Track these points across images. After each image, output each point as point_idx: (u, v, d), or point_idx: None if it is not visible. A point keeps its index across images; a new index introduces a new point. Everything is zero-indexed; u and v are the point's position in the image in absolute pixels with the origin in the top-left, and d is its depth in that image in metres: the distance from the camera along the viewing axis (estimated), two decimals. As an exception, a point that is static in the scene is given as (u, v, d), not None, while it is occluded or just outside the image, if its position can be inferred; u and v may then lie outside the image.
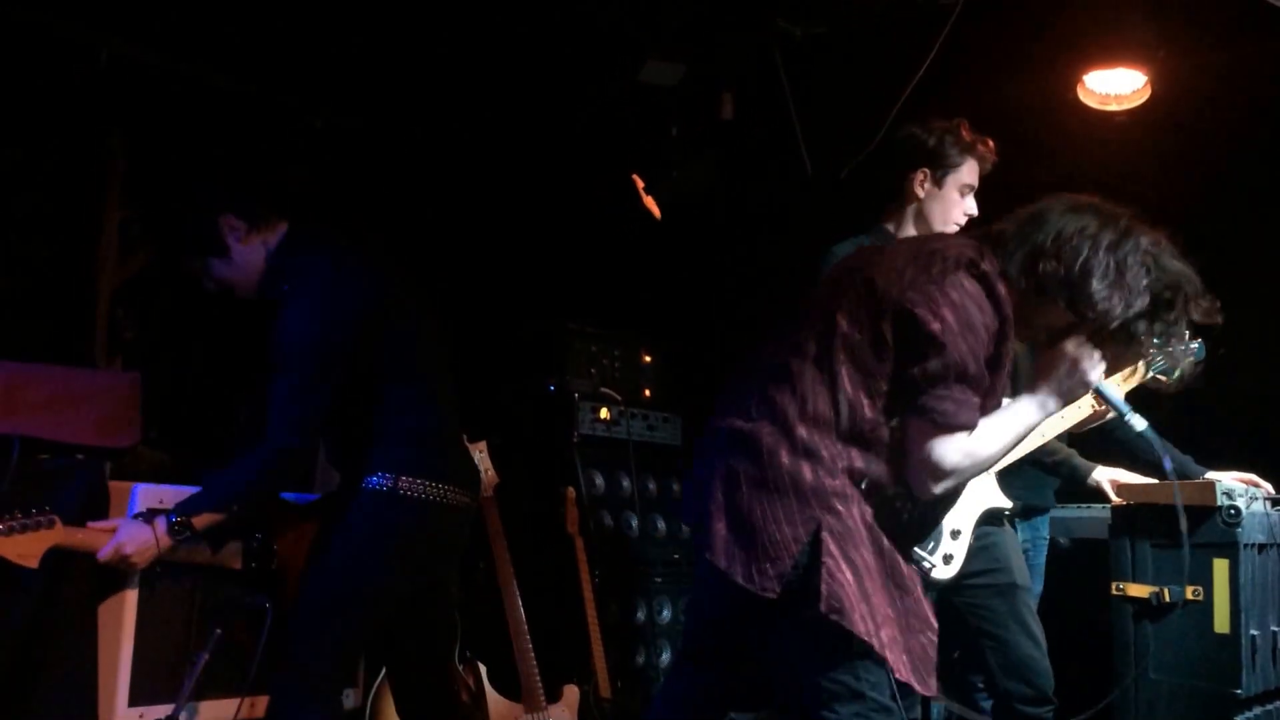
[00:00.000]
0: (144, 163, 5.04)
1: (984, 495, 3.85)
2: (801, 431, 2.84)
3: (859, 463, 2.84)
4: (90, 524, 3.50)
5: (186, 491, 3.57)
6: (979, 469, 2.95)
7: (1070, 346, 2.96)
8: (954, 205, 4.03)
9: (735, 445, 2.90)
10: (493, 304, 6.16)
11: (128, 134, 5.01)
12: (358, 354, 3.58)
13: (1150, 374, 4.27)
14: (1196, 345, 4.33)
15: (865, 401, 2.84)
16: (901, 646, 2.79)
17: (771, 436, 2.85)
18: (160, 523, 3.45)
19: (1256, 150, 5.15)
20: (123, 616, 3.76)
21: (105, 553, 3.43)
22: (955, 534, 3.75)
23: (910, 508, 2.97)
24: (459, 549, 3.86)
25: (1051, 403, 2.99)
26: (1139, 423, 3.16)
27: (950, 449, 2.83)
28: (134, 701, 3.77)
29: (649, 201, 5.82)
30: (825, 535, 2.75)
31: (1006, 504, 3.91)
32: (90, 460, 3.78)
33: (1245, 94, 5.08)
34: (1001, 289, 2.85)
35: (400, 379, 3.66)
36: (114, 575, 3.63)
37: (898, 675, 2.76)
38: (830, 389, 2.85)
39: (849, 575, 2.73)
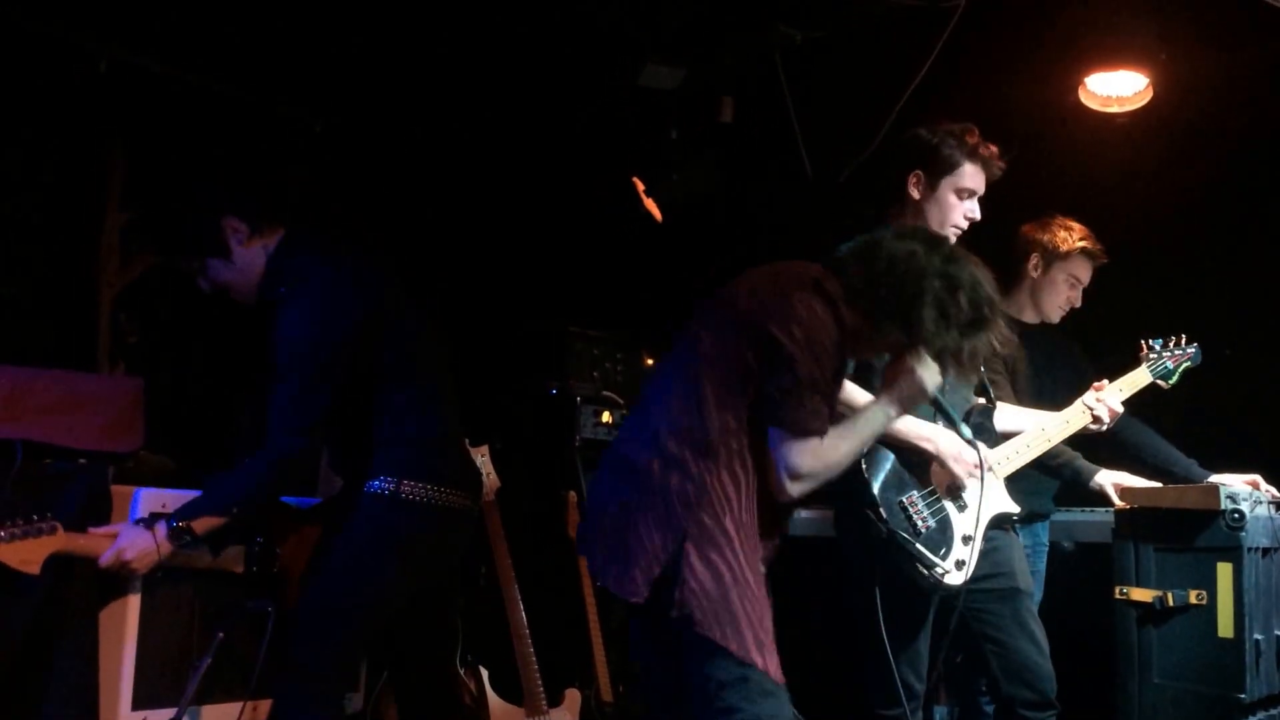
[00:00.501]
0: (144, 168, 5.04)
1: (994, 500, 3.84)
2: (671, 445, 3.06)
3: (724, 473, 3.05)
4: (91, 529, 3.50)
5: (189, 495, 3.57)
6: (832, 471, 3.16)
7: (909, 359, 3.19)
8: (950, 208, 3.99)
9: (616, 469, 3.17)
10: (494, 306, 6.16)
11: (128, 140, 5.01)
12: (357, 357, 3.58)
13: (1151, 380, 4.29)
14: (1194, 350, 4.34)
15: (728, 414, 3.07)
16: (767, 648, 3.00)
17: (646, 452, 3.08)
18: (161, 528, 3.44)
19: (1258, 152, 5.14)
20: (125, 620, 3.77)
21: (106, 558, 3.43)
22: (966, 539, 3.73)
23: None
24: (460, 552, 3.85)
25: (894, 410, 3.24)
26: (966, 432, 3.47)
27: (805, 454, 3.07)
28: (137, 705, 3.78)
29: (650, 204, 5.81)
30: (688, 542, 2.98)
31: (1015, 509, 3.89)
32: (93, 465, 3.79)
33: (1247, 96, 5.07)
34: (843, 308, 3.08)
35: (401, 382, 3.65)
36: (116, 580, 3.62)
37: (770, 675, 2.98)
38: (696, 403, 3.07)
39: (707, 580, 2.96)
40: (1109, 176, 5.33)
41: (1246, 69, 5.04)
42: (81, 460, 3.77)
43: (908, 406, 3.29)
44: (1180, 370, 4.37)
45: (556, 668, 5.01)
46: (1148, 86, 5.11)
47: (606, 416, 5.97)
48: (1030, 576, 4.05)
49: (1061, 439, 4.10)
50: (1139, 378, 4.31)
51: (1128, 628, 3.93)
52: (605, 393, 6.07)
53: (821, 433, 3.08)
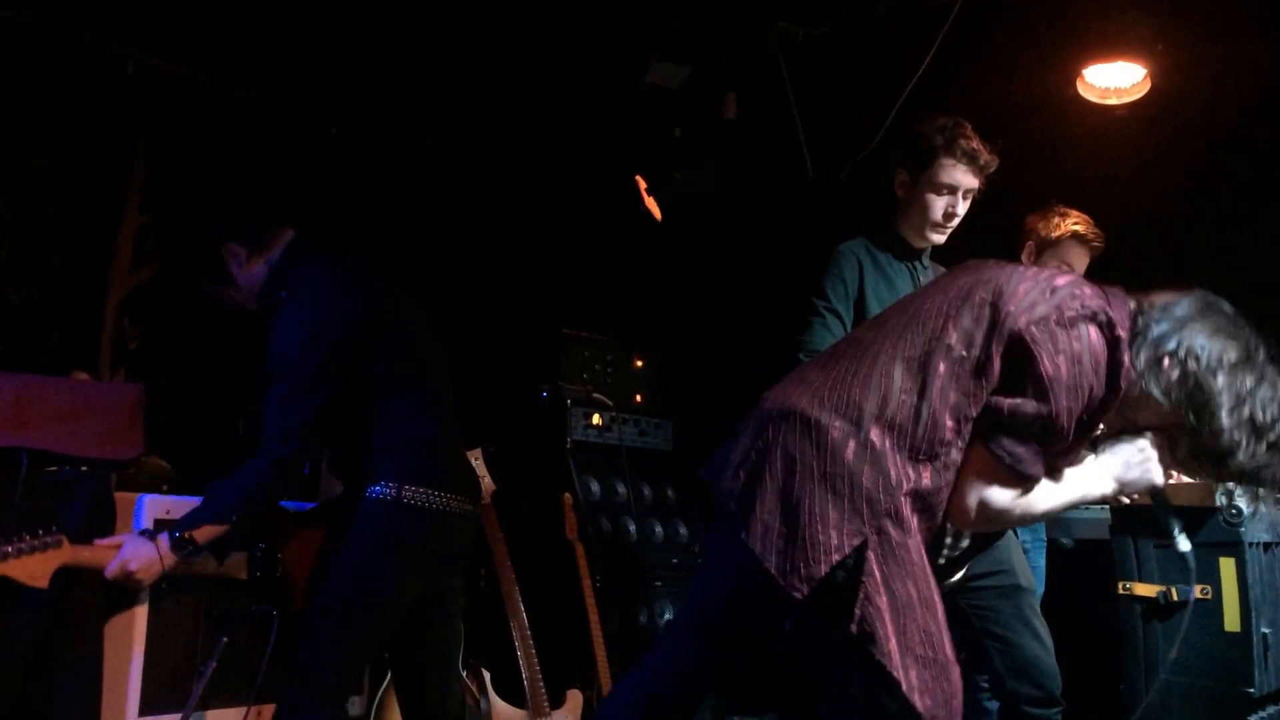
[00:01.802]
0: (163, 171, 5.06)
1: None
2: (874, 433, 2.69)
3: (925, 482, 2.71)
4: (97, 541, 3.50)
5: (191, 502, 3.57)
6: (1022, 522, 2.89)
7: (1153, 441, 2.87)
8: (928, 205, 3.96)
9: (799, 428, 2.73)
10: (486, 308, 6.16)
11: (149, 143, 5.03)
12: (355, 359, 3.58)
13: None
14: None
15: (949, 421, 2.71)
16: (930, 690, 2.62)
17: (840, 430, 2.70)
18: (164, 539, 3.44)
19: (1257, 142, 5.13)
20: (133, 627, 3.79)
21: (111, 570, 3.43)
22: (958, 534, 3.72)
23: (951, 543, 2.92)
24: (463, 556, 3.86)
25: (1111, 485, 2.90)
26: (1184, 544, 3.09)
27: (1007, 495, 2.75)
28: (144, 711, 3.80)
29: (650, 203, 5.81)
30: (870, 554, 2.62)
31: None
32: (95, 472, 3.80)
33: (1246, 86, 5.06)
34: (1125, 360, 2.73)
35: (401, 386, 3.66)
36: (123, 591, 3.63)
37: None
38: (917, 397, 2.72)
39: (885, 603, 2.61)
40: (1108, 168, 5.32)
41: (1245, 59, 5.03)
42: (84, 468, 3.78)
43: (1128, 489, 2.93)
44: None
45: (558, 669, 5.01)
46: (1146, 78, 5.09)
47: (596, 419, 5.97)
48: (1030, 572, 4.03)
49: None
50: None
51: (1133, 623, 3.89)
52: (595, 395, 6.07)
53: (1036, 479, 2.75)
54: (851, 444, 2.68)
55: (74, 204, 4.90)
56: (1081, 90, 5.19)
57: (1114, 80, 5.15)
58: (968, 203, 4.00)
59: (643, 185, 5.84)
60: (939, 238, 4.03)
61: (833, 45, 5.37)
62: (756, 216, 6.46)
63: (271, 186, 4.05)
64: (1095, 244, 4.67)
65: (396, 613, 3.66)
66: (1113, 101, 5.18)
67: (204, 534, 3.47)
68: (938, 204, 3.94)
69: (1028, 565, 4.02)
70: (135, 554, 3.44)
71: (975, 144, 3.92)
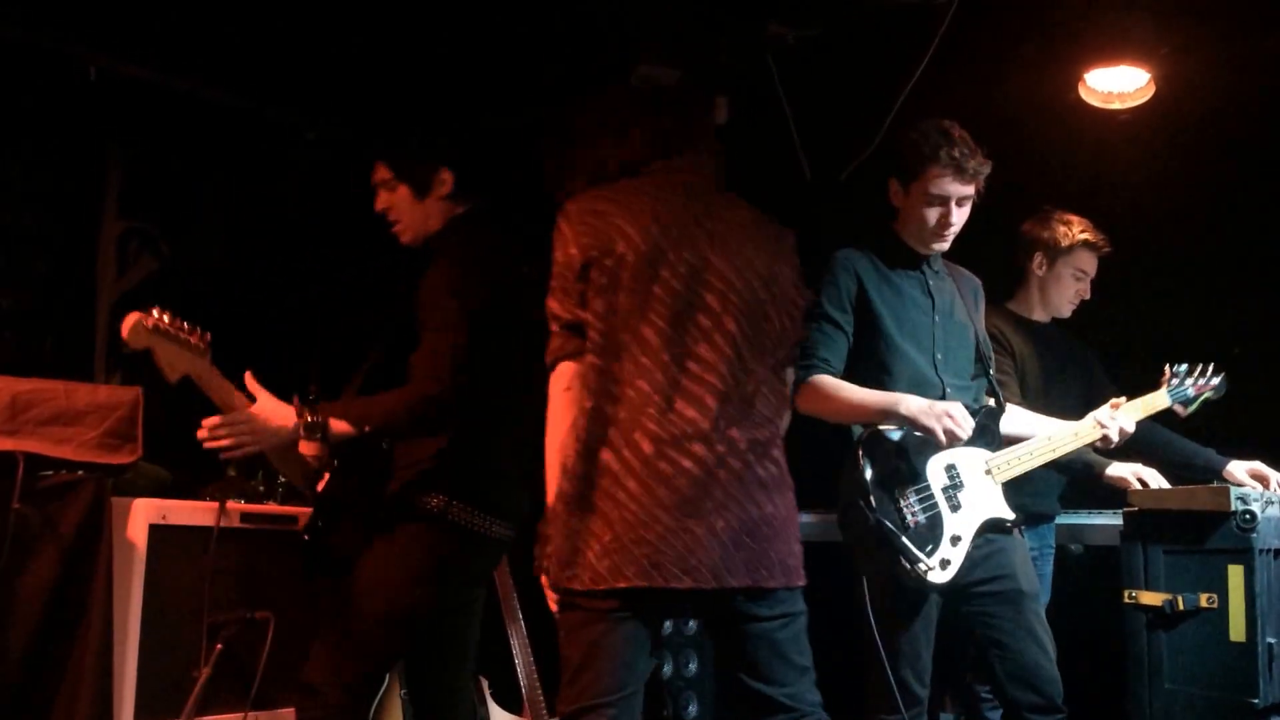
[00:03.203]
0: (141, 176, 5.03)
1: (989, 504, 3.80)
2: None
3: None
4: (252, 380, 3.52)
5: (190, 505, 3.55)
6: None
7: None
8: (923, 216, 3.86)
9: None
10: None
11: (124, 148, 5.00)
12: (479, 342, 3.56)
13: (1170, 404, 4.22)
14: (1219, 381, 4.28)
15: None
16: None
17: None
18: (305, 409, 3.45)
19: (1262, 147, 5.09)
20: (127, 633, 3.78)
21: (250, 411, 3.46)
22: (955, 540, 3.69)
23: None
24: (486, 576, 3.87)
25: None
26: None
27: None
28: (139, 716, 3.80)
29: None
30: None
31: (1009, 516, 3.83)
32: (92, 476, 3.78)
33: (1251, 90, 5.02)
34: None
35: (486, 393, 3.60)
36: (124, 590, 3.60)
37: None
38: None
39: None
40: (1111, 175, 5.29)
41: (1250, 63, 4.98)
42: (80, 472, 3.76)
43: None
44: (1201, 399, 4.31)
45: (557, 677, 4.96)
46: (1149, 82, 5.04)
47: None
48: (1035, 579, 4.00)
49: (1066, 452, 4.01)
50: (1157, 400, 4.23)
51: (1138, 632, 3.87)
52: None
53: None
54: None
55: (55, 211, 4.88)
56: (1084, 95, 5.14)
57: (1117, 85, 5.10)
58: (965, 209, 3.88)
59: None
60: (941, 245, 3.96)
61: (826, 47, 5.32)
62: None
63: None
64: (1103, 248, 4.67)
65: (418, 633, 3.63)
66: (1116, 106, 5.13)
67: (337, 427, 3.45)
68: (931, 215, 3.86)
69: (1033, 571, 3.99)
70: (276, 410, 3.46)
71: (961, 150, 3.79)
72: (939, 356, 3.88)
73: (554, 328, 3.01)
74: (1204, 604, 3.75)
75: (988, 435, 3.84)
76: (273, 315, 5.49)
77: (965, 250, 4.04)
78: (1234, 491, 3.75)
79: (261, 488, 4.40)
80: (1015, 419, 4.05)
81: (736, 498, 2.93)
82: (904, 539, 3.59)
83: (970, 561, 3.73)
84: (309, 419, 3.42)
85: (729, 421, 2.96)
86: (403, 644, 3.64)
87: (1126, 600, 3.89)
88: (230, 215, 5.56)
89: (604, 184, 3.14)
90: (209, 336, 3.43)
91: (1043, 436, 3.99)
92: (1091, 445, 4.06)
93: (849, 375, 3.81)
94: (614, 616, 2.86)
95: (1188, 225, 5.26)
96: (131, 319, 3.33)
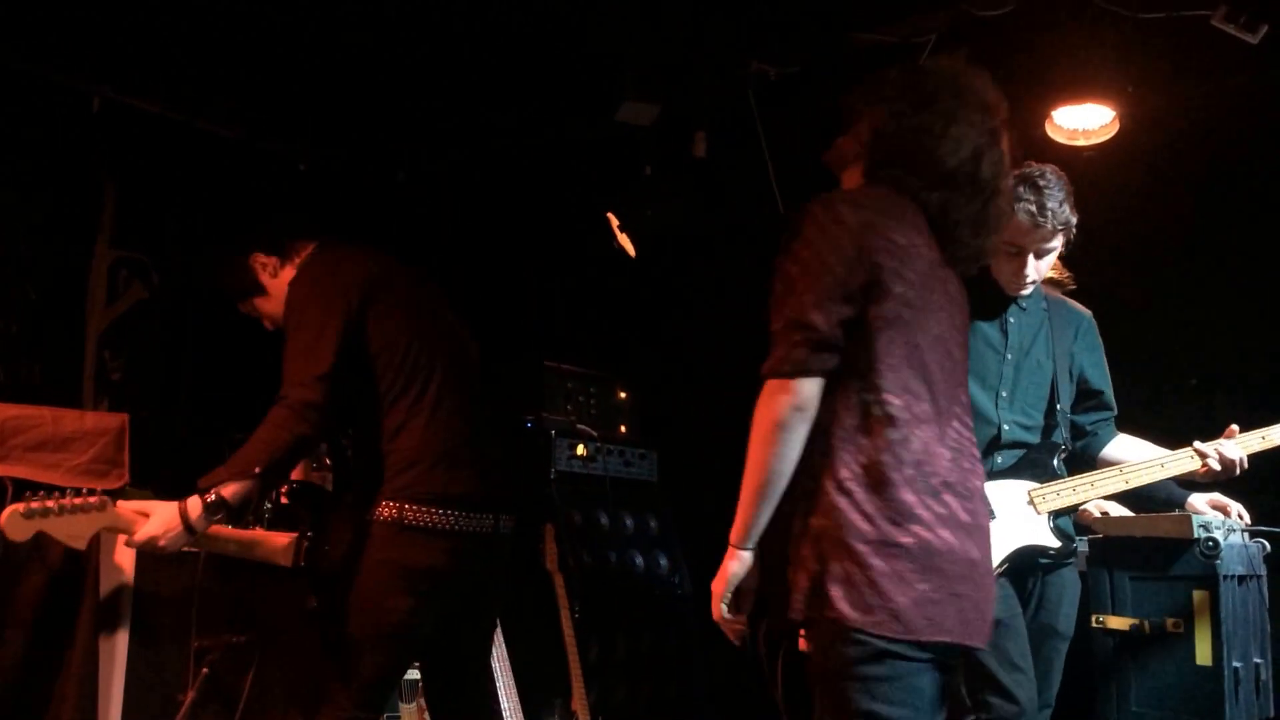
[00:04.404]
0: (134, 206, 5.06)
1: (1022, 533, 3.80)
2: None
3: None
4: (129, 505, 3.42)
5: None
6: None
7: None
8: (1000, 266, 3.92)
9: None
10: (484, 341, 6.17)
11: (119, 178, 5.03)
12: (358, 332, 3.52)
13: None
14: None
15: None
16: None
17: None
18: (192, 502, 3.34)
19: (1224, 184, 5.20)
20: (114, 656, 3.78)
21: (137, 539, 3.35)
22: None
23: None
24: (490, 575, 3.72)
25: None
26: None
27: None
28: (124, 739, 3.77)
29: (624, 239, 5.85)
30: None
31: (1052, 544, 3.82)
32: (78, 503, 3.77)
33: (1211, 128, 5.13)
34: None
35: (400, 388, 3.55)
36: (111, 615, 3.60)
37: None
38: None
39: None
40: (1077, 209, 5.37)
41: (1212, 101, 5.12)
42: (67, 498, 3.75)
43: None
44: None
45: (536, 699, 5.01)
46: (1114, 119, 5.14)
47: (581, 449, 6.00)
48: (1073, 620, 3.97)
49: (1145, 483, 3.93)
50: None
51: (1105, 656, 3.93)
52: (579, 426, 6.10)
53: None
54: None
55: (48, 239, 4.90)
56: (1050, 131, 5.22)
57: (1083, 122, 5.19)
58: (1047, 260, 3.93)
59: (614, 223, 5.87)
60: (1023, 292, 3.96)
61: (804, 84, 5.40)
62: (732, 252, 6.51)
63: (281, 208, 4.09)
64: (1067, 285, 4.72)
65: (416, 641, 3.58)
66: (1081, 143, 5.21)
67: (231, 491, 3.33)
68: (1008, 265, 3.90)
69: (1074, 613, 3.96)
70: (160, 520, 3.34)
71: (1041, 203, 3.84)
72: (1003, 394, 3.89)
73: (796, 337, 2.67)
74: (1170, 628, 3.81)
75: (1038, 468, 3.85)
76: (260, 347, 5.50)
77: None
78: (1196, 519, 3.81)
79: (249, 515, 4.41)
80: (1119, 446, 4.08)
81: (988, 547, 2.79)
82: None
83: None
84: (201, 508, 3.33)
85: (978, 469, 2.85)
86: (401, 658, 3.59)
87: (1094, 624, 3.94)
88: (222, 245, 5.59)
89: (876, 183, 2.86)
90: (97, 491, 3.34)
91: (1114, 469, 3.94)
92: (1187, 476, 3.96)
93: None
94: (928, 667, 2.65)
95: (1151, 258, 5.34)
96: (4, 515, 3.20)
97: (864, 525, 2.60)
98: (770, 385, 2.66)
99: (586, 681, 5.22)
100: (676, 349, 6.73)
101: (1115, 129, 5.17)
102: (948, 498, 2.67)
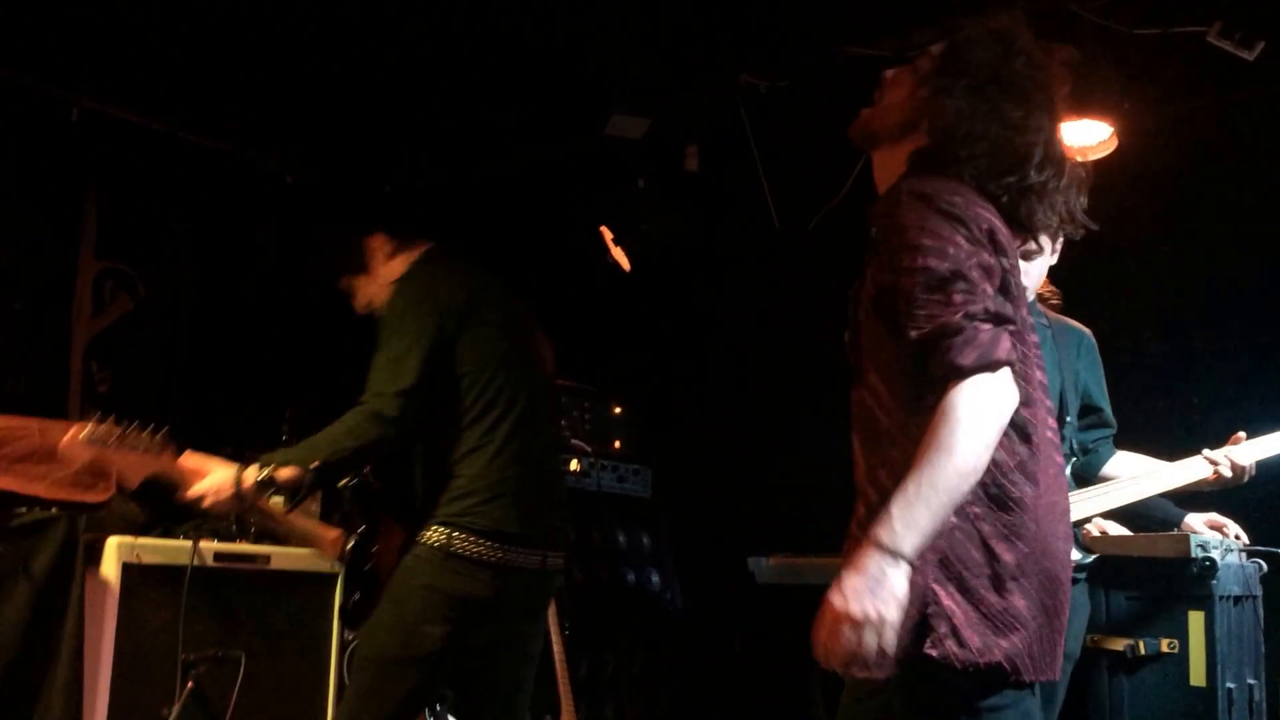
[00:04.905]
0: (119, 217, 5.03)
1: None
2: None
3: None
4: (191, 457, 3.42)
5: (165, 544, 3.53)
6: None
7: None
8: None
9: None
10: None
11: (102, 189, 5.01)
12: (447, 353, 3.50)
13: None
14: None
15: None
16: None
17: None
18: (249, 470, 3.35)
19: (1218, 199, 5.20)
20: (99, 670, 3.75)
21: (188, 494, 3.37)
22: None
23: None
24: (535, 609, 3.70)
25: None
26: None
27: None
28: (110, 752, 3.75)
29: (618, 253, 5.83)
30: None
31: (1075, 555, 3.67)
32: (65, 515, 3.78)
33: (1208, 145, 5.13)
34: None
35: (476, 417, 3.53)
36: (96, 627, 3.58)
37: None
38: None
39: None
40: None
41: (1209, 118, 5.11)
42: (53, 510, 3.74)
43: None
44: None
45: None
46: (1112, 135, 5.14)
47: (575, 465, 5.97)
48: (1080, 642, 3.91)
49: (1159, 492, 3.89)
50: None
51: (1099, 676, 3.92)
52: (574, 441, 6.07)
53: None
54: None
55: (32, 249, 4.87)
56: (1048, 147, 5.24)
57: (1081, 138, 5.19)
58: (1037, 265, 3.93)
59: (608, 236, 5.85)
60: None
61: (796, 97, 5.39)
62: (727, 267, 6.49)
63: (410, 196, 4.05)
64: (1053, 302, 4.71)
65: (443, 669, 3.53)
66: (1079, 159, 5.22)
67: (285, 474, 3.34)
68: None
69: (1082, 633, 3.91)
70: (214, 481, 3.35)
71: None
72: None
73: (989, 327, 2.26)
74: (1165, 649, 3.81)
75: None
76: (248, 359, 5.49)
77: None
78: (1194, 539, 3.81)
79: (234, 527, 4.39)
80: (1120, 463, 4.06)
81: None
82: None
83: None
84: (254, 481, 3.33)
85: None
86: (427, 684, 3.52)
87: (1089, 644, 3.92)
88: (208, 258, 5.57)
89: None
90: (163, 431, 3.34)
91: (1126, 478, 3.94)
92: (1197, 488, 3.91)
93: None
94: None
95: (1147, 273, 5.35)
96: (65, 439, 3.24)
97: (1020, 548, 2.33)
98: (980, 383, 2.22)
99: (575, 699, 5.18)
100: (671, 364, 6.71)
101: (1113, 145, 5.16)
102: (1062, 528, 2.44)
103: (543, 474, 3.67)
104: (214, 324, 5.52)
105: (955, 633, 2.25)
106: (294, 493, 3.38)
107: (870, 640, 2.14)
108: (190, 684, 3.75)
